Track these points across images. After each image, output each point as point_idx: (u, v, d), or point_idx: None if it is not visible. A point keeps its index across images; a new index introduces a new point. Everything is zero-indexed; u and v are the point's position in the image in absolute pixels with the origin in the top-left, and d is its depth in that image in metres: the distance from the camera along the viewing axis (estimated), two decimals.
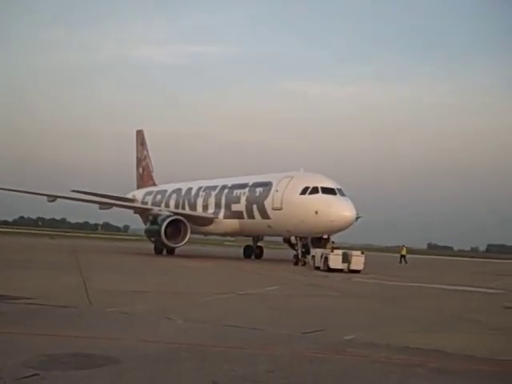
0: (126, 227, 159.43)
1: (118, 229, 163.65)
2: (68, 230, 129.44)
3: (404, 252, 52.71)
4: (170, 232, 37.44)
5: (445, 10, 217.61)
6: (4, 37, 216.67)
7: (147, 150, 58.28)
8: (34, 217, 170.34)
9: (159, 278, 20.08)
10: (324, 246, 32.35)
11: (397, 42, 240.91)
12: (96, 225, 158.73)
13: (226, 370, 6.63)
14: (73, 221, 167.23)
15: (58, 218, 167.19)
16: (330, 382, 6.57)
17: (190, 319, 10.45)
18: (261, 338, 9.07)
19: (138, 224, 51.77)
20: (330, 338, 9.33)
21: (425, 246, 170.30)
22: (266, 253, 46.07)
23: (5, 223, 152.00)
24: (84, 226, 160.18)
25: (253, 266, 32.73)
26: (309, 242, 36.20)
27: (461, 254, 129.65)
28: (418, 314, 13.69)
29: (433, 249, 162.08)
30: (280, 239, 44.08)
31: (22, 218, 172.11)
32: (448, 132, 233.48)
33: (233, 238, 56.85)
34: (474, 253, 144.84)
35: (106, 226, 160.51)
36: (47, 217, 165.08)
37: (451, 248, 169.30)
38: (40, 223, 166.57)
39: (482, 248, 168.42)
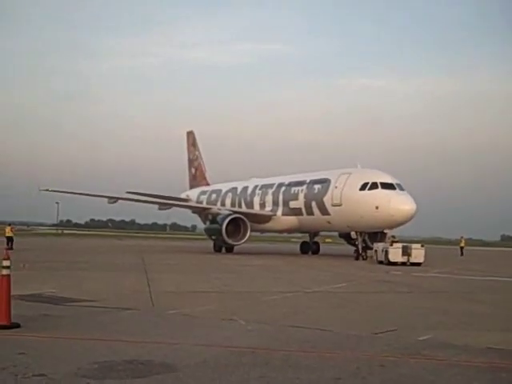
0: (194, 227, 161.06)
1: (186, 228, 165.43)
2: (137, 231, 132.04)
3: (463, 244, 51.37)
4: (230, 230, 38.16)
5: None
6: (62, 45, 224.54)
7: (199, 151, 58.83)
8: (104, 219, 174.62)
9: (222, 277, 19.70)
10: (381, 241, 33.20)
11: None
12: (164, 225, 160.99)
13: (290, 377, 6.12)
14: (142, 222, 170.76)
15: (127, 219, 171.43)
16: None
17: (254, 320, 9.98)
18: (328, 339, 8.51)
19: None
20: (402, 338, 8.67)
21: (498, 238, 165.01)
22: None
23: (77, 226, 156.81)
24: (153, 227, 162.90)
25: (315, 262, 32.44)
26: (366, 238, 36.23)
27: None
28: (497, 311, 12.81)
29: (506, 240, 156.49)
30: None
31: (92, 220, 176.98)
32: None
33: (300, 235, 57.06)
34: None
35: (174, 226, 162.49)
36: (117, 218, 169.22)
37: None
38: (110, 225, 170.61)
39: None
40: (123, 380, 5.92)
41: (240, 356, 7.13)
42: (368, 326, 9.82)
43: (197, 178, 58.03)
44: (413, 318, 11.22)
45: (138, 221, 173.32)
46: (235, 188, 47.53)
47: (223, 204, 46.62)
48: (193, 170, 59.08)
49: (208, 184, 55.55)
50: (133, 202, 48.36)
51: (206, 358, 7.00)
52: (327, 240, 73.26)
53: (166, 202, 50.31)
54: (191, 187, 57.71)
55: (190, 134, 59.91)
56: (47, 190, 42.10)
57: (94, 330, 8.89)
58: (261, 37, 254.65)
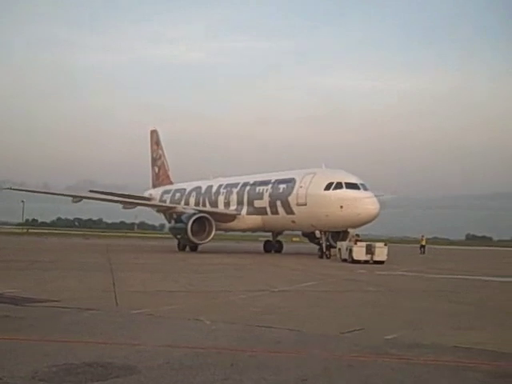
0: (162, 226, 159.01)
1: (153, 227, 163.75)
2: (104, 230, 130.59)
3: (424, 242, 52.42)
4: (195, 229, 38.20)
5: None
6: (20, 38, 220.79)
7: (162, 149, 58.75)
8: (71, 218, 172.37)
9: (188, 276, 19.49)
10: (344, 239, 33.75)
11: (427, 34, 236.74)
12: (132, 224, 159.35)
13: (256, 379, 5.96)
14: (109, 221, 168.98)
15: (94, 218, 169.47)
16: None
17: (220, 320, 9.79)
18: (295, 339, 8.38)
19: None
20: (370, 338, 8.58)
21: (463, 237, 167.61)
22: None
23: (43, 225, 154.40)
24: (120, 226, 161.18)
25: (281, 261, 32.64)
26: (329, 236, 36.91)
27: (501, 244, 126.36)
28: (465, 309, 12.83)
29: (471, 239, 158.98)
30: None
31: (59, 219, 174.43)
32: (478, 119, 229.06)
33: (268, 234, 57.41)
34: None
35: (142, 225, 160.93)
36: (84, 217, 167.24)
37: (490, 238, 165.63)
38: (77, 224, 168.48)
39: None
40: None
41: (204, 357, 6.95)
42: (336, 325, 9.72)
43: (160, 176, 57.93)
44: (381, 317, 11.16)
45: (105, 220, 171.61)
46: (199, 187, 47.53)
47: (187, 203, 46.50)
48: (156, 169, 58.92)
49: (171, 183, 55.49)
50: (98, 201, 47.98)
51: (170, 359, 6.80)
52: (294, 239, 73.33)
53: (128, 200, 50.17)
54: (154, 186, 57.68)
55: (154, 133, 59.80)
56: (10, 189, 41.36)
57: (55, 331, 8.60)
58: (231, 34, 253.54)
